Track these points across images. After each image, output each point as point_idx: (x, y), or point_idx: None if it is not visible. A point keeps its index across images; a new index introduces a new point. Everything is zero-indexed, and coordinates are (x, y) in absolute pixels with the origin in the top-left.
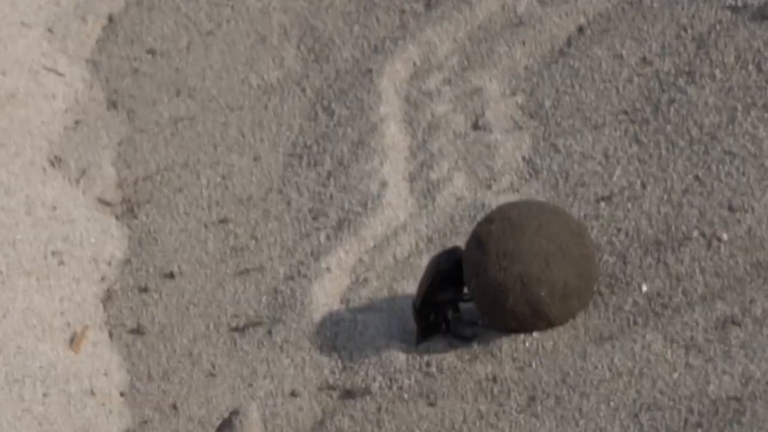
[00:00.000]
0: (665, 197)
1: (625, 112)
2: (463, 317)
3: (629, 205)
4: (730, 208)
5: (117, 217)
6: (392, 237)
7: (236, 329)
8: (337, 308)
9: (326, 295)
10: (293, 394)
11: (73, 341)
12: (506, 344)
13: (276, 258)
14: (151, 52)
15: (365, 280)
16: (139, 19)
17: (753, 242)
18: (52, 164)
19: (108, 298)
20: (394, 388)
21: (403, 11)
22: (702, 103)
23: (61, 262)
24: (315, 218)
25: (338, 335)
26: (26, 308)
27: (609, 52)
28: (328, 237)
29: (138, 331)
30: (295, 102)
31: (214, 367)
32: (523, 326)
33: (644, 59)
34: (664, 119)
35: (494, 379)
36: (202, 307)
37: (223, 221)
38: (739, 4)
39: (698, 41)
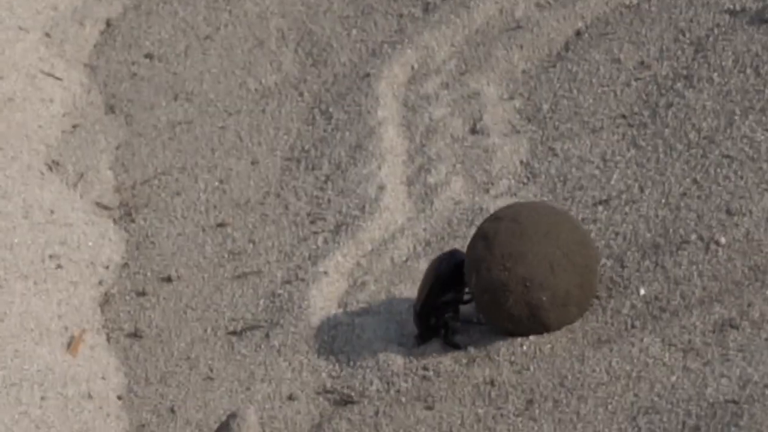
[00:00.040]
0: (663, 201)
1: (623, 116)
2: (457, 318)
3: (627, 209)
4: (728, 212)
5: (115, 221)
6: (390, 240)
7: (234, 333)
8: (334, 312)
9: (324, 298)
10: (291, 397)
11: (71, 345)
12: (504, 348)
13: (274, 262)
14: (149, 56)
15: (363, 283)
16: (137, 24)
17: (751, 246)
18: (50, 168)
19: (106, 301)
20: (392, 391)
21: (401, 15)
22: (700, 106)
23: (58, 266)
24: (313, 222)
25: (336, 339)
26: (24, 312)
27: (607, 56)
28: (325, 241)
29: (135, 334)
30: (293, 106)
31: (211, 370)
32: (519, 329)
33: (642, 63)
34: (662, 123)
35: (492, 383)
36: (199, 310)
37: (221, 225)
38: (737, 8)
39: (696, 45)
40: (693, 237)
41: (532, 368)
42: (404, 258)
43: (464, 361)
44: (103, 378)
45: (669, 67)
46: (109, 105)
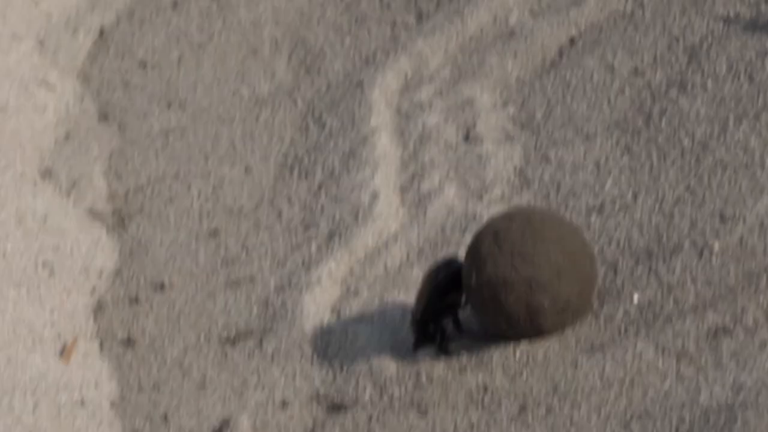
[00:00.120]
0: (657, 207)
1: (617, 123)
2: (458, 326)
3: (621, 216)
4: (722, 218)
5: (108, 229)
6: (383, 248)
7: (227, 340)
8: (327, 319)
9: (317, 305)
10: (284, 404)
11: (64, 352)
12: (497, 354)
13: (267, 269)
14: (143, 64)
15: (356, 290)
16: (130, 32)
17: (744, 252)
18: (43, 176)
19: (98, 309)
20: (385, 398)
21: (394, 23)
22: (694, 113)
23: (51, 273)
24: (306, 229)
25: (329, 346)
26: (16, 319)
27: (601, 63)
28: (319, 248)
29: (128, 342)
30: (287, 114)
31: (204, 377)
32: (514, 330)
33: (636, 70)
34: (655, 130)
35: (485, 389)
36: (192, 317)
37: (214, 232)
38: (731, 15)
39: (690, 52)
40: (687, 243)
41: (525, 374)
42: (397, 265)
43: (457, 367)
44: (96, 385)
45: (663, 74)
46: (103, 113)
